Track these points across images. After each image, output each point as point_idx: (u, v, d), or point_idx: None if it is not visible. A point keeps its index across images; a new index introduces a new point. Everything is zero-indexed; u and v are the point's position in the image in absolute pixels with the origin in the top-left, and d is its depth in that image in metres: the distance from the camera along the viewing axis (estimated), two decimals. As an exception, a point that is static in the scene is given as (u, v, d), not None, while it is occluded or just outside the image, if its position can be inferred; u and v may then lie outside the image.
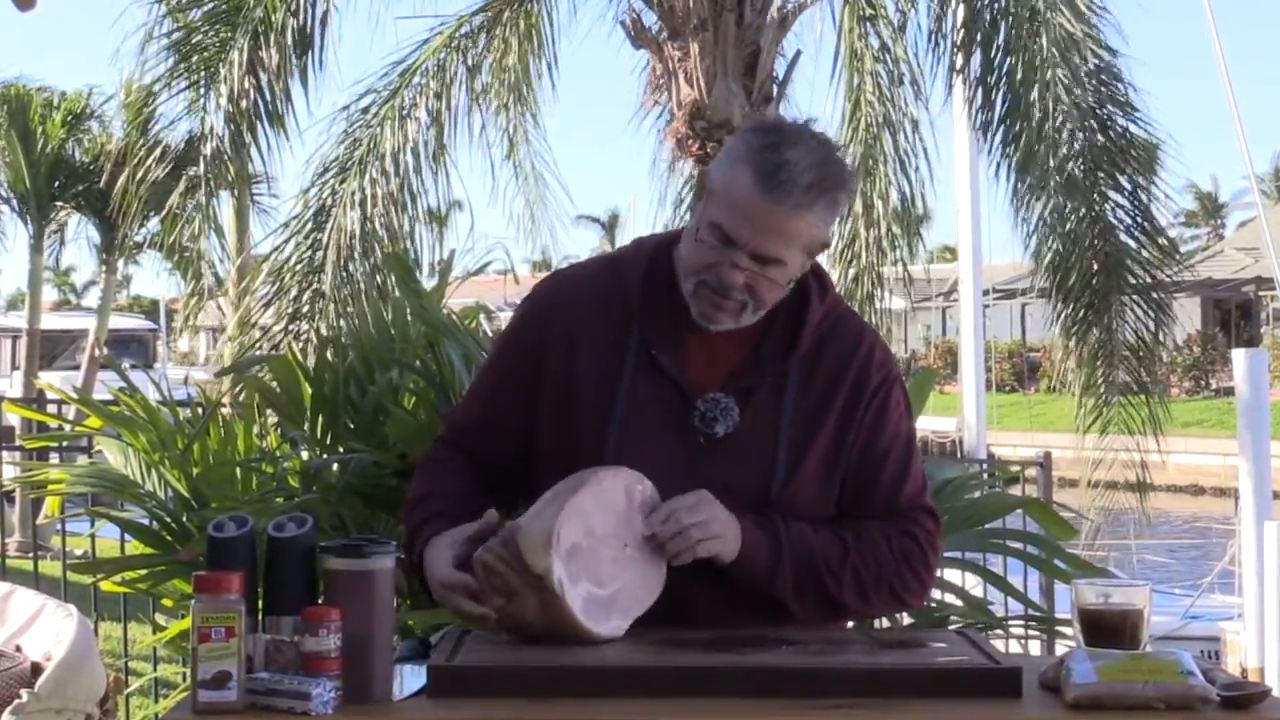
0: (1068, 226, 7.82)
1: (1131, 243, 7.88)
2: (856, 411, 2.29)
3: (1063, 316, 8.01)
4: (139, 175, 8.20)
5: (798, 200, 2.15)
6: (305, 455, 3.66)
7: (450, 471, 2.37)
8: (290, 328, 7.67)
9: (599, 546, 2.12)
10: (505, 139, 8.77)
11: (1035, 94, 7.38)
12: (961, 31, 7.82)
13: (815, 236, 2.22)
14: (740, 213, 2.17)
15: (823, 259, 2.51)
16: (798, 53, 7.74)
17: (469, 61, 8.16)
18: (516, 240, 9.12)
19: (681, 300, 2.25)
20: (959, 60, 7.83)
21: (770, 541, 2.21)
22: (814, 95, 8.31)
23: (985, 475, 5.31)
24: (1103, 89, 7.83)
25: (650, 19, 7.80)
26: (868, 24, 7.97)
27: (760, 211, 2.15)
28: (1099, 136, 7.79)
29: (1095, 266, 7.79)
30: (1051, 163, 7.61)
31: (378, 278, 7.52)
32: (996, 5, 7.58)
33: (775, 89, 7.58)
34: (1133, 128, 7.84)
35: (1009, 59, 7.51)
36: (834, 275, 8.07)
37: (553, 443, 2.29)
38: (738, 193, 2.17)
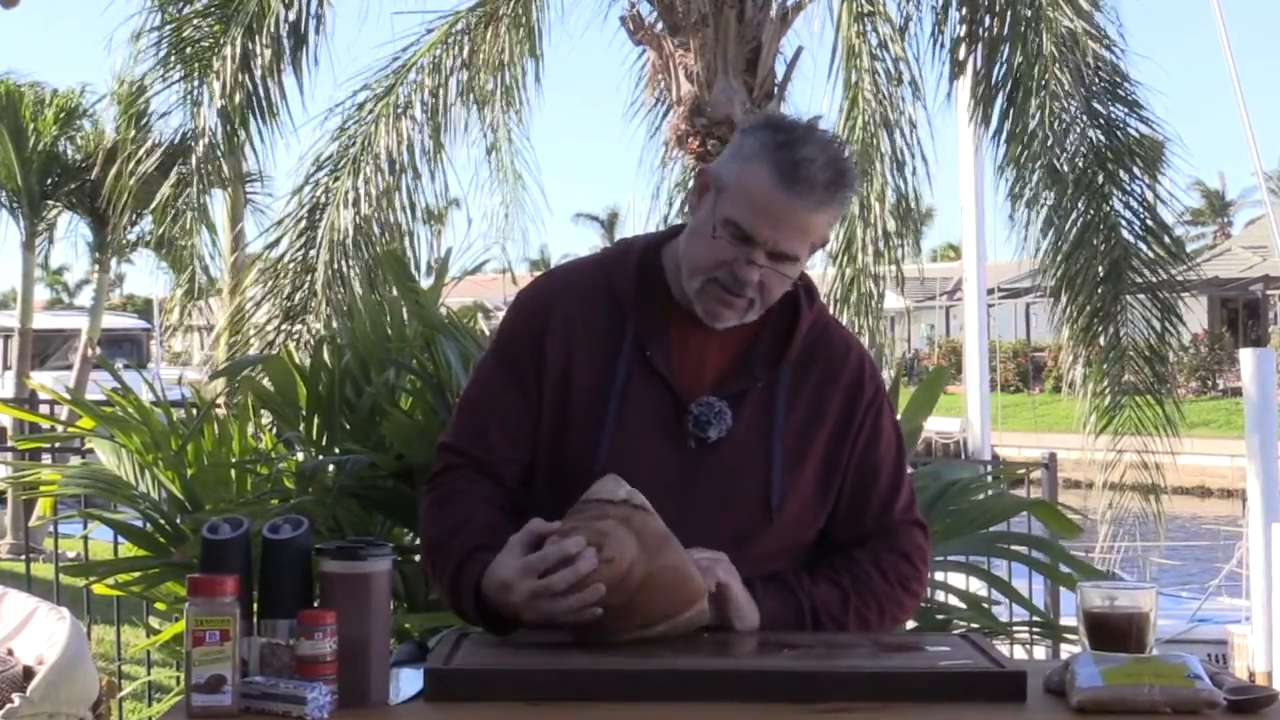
0: (1069, 225, 7.79)
1: (1137, 242, 7.85)
2: (851, 426, 2.27)
3: (1068, 316, 7.97)
4: (131, 168, 8.17)
5: (819, 197, 2.13)
6: (301, 456, 3.64)
7: (479, 500, 2.23)
8: (283, 327, 7.65)
9: None
10: (504, 137, 8.74)
11: (1035, 91, 7.35)
12: (963, 28, 7.79)
13: (824, 234, 2.21)
14: (761, 210, 2.13)
15: (819, 259, 2.50)
16: (799, 49, 7.73)
17: (465, 58, 8.13)
18: (513, 240, 9.08)
19: (672, 301, 2.23)
20: (960, 56, 7.80)
21: (794, 616, 2.20)
22: (813, 93, 8.30)
23: (990, 477, 5.28)
24: (1108, 86, 7.80)
25: (650, 13, 7.78)
26: (866, 21, 7.94)
27: (784, 209, 2.13)
28: (1104, 134, 7.75)
29: (1101, 266, 7.76)
30: (1055, 162, 7.57)
31: (371, 277, 7.49)
32: (998, 2, 7.55)
33: (776, 87, 7.55)
34: (1139, 125, 7.81)
35: (1009, 55, 7.49)
36: (831, 276, 8.05)
37: (547, 443, 2.23)
38: (758, 190, 2.13)
